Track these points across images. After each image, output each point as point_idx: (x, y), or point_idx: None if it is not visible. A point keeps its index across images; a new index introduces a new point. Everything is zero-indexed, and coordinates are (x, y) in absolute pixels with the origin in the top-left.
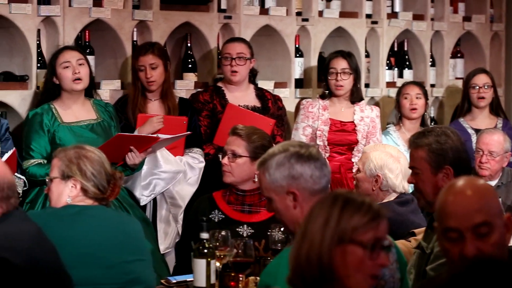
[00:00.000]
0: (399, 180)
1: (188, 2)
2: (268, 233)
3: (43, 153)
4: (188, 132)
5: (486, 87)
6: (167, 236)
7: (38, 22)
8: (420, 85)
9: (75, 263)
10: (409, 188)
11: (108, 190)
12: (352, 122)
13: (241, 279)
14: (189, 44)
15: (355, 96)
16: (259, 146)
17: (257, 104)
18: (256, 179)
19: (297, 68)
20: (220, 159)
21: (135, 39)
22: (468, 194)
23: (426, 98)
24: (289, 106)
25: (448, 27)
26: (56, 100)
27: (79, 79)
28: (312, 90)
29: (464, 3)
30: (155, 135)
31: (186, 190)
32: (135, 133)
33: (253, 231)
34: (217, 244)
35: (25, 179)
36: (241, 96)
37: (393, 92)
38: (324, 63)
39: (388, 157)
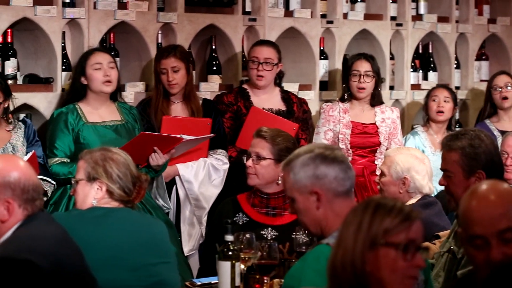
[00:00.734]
0: (425, 181)
1: (212, 5)
2: (293, 235)
3: (67, 151)
4: (212, 135)
5: (508, 87)
6: (191, 238)
7: (63, 24)
8: (450, 89)
9: (100, 265)
10: (434, 190)
11: (134, 193)
12: (374, 124)
13: (265, 281)
14: (213, 47)
15: (376, 100)
16: (283, 148)
17: (282, 107)
18: (280, 182)
19: (322, 70)
20: (244, 162)
21: (159, 41)
22: (491, 199)
23: (455, 103)
24: (314, 108)
25: (472, 29)
26: (81, 101)
27: (109, 81)
28: (336, 92)
29: (489, 5)
30: (178, 136)
31: (210, 191)
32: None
33: (277, 233)
34: (242, 246)
35: (55, 184)
36: (266, 98)
37: (418, 95)
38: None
39: (414, 159)
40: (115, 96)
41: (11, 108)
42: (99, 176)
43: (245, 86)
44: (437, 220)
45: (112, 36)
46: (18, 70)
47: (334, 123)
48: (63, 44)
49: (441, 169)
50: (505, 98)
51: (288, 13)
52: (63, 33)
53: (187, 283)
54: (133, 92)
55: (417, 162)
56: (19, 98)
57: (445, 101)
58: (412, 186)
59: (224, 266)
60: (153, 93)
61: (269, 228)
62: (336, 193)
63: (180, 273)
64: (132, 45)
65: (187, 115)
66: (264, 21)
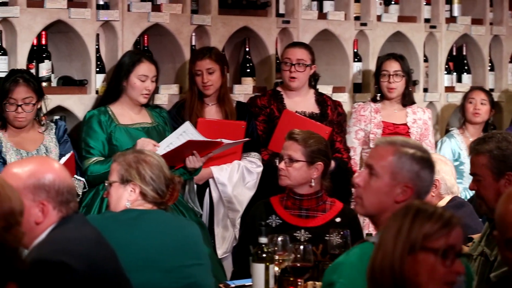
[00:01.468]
0: (454, 181)
1: (246, 7)
2: (326, 237)
3: (102, 151)
4: (248, 139)
5: None
6: (224, 241)
7: (97, 27)
8: (487, 91)
9: (134, 267)
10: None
11: (167, 195)
12: (405, 124)
13: (299, 283)
14: (247, 49)
15: (407, 100)
16: (315, 150)
17: (316, 110)
18: (313, 184)
19: (355, 72)
20: (277, 164)
21: (193, 43)
22: None
23: (492, 105)
24: (347, 110)
25: (507, 31)
26: (113, 103)
27: (148, 94)
28: (370, 94)
29: None
30: (218, 140)
31: (244, 194)
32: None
33: (310, 235)
34: (276, 248)
35: (85, 181)
36: (300, 101)
37: (452, 97)
38: None
39: (439, 161)
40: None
41: (44, 110)
42: (132, 178)
43: (279, 88)
44: (470, 222)
45: (146, 38)
46: (53, 72)
47: (365, 123)
48: (97, 47)
49: (471, 173)
50: None
51: (322, 16)
52: (97, 35)
53: (221, 285)
54: (167, 95)
55: (443, 164)
56: (53, 100)
57: (481, 103)
58: (444, 187)
59: (258, 268)
60: (188, 95)
61: (302, 230)
62: (418, 195)
63: (214, 274)
64: (166, 48)
65: (221, 117)
66: (297, 23)
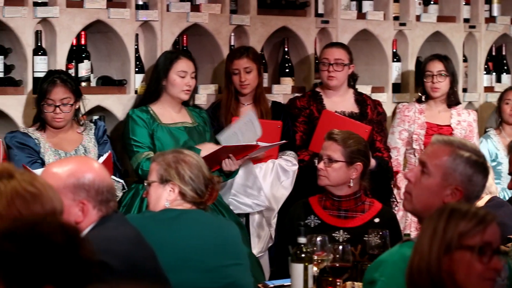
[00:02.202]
0: (492, 181)
1: (285, 7)
2: (365, 238)
3: (150, 145)
4: (285, 141)
5: None
6: (260, 240)
7: (136, 27)
8: None
9: (173, 266)
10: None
11: (206, 194)
12: (449, 126)
13: (338, 284)
14: (286, 49)
15: (452, 100)
16: (355, 150)
17: (355, 110)
18: (351, 184)
19: (395, 72)
20: (316, 164)
21: (232, 43)
22: None
23: None
24: (386, 110)
25: None
26: (154, 103)
27: (189, 90)
28: (409, 94)
29: None
30: (254, 143)
31: (280, 193)
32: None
33: (349, 236)
34: (315, 248)
35: (123, 183)
36: (339, 101)
37: (491, 97)
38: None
39: None
40: (187, 100)
41: (82, 110)
42: (171, 178)
43: (318, 89)
44: (509, 222)
45: (185, 38)
46: (92, 72)
47: (409, 123)
48: (136, 47)
49: (509, 173)
50: None
51: (361, 16)
52: (136, 35)
53: (260, 285)
54: (205, 94)
55: None
56: (93, 100)
57: None
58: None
59: (297, 269)
60: (224, 94)
61: (341, 230)
62: (468, 199)
63: (252, 274)
64: (205, 48)
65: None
66: (336, 23)
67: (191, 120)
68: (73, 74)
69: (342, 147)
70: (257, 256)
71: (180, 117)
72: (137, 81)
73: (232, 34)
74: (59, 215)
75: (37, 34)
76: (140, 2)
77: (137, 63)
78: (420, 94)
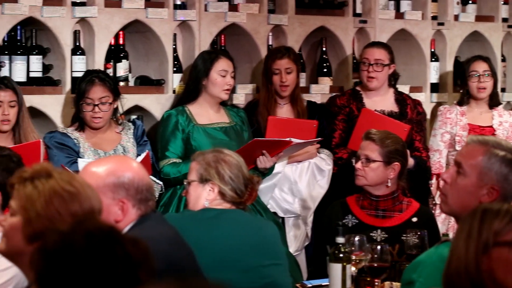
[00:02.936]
0: None
1: (323, 7)
2: (403, 238)
3: (178, 153)
4: (320, 138)
5: None
6: (296, 239)
7: (174, 26)
8: None
9: (211, 266)
10: None
11: (246, 194)
12: (491, 127)
13: (376, 284)
14: (324, 49)
15: (494, 101)
16: (392, 150)
17: (395, 109)
18: (389, 184)
19: (433, 72)
20: (354, 164)
21: (270, 43)
22: None
23: None
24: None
25: None
26: (191, 103)
27: (229, 90)
28: (447, 94)
29: None
30: (287, 139)
31: (316, 192)
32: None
33: (386, 235)
34: (353, 248)
35: (162, 184)
36: (379, 100)
37: None
38: (459, 67)
39: None
40: (225, 100)
41: (120, 109)
42: (211, 177)
43: (358, 88)
44: None
45: (222, 38)
46: (130, 72)
47: (451, 126)
48: (174, 46)
49: None
50: None
51: (399, 15)
52: (174, 35)
53: (298, 285)
54: (243, 94)
55: None
56: (131, 100)
57: None
58: None
59: (335, 268)
60: (262, 93)
61: (379, 230)
62: (505, 199)
63: (291, 274)
64: (243, 47)
65: (293, 117)
66: (374, 23)
67: (228, 120)
68: (111, 74)
69: (379, 147)
70: (293, 254)
71: (218, 117)
72: (175, 81)
73: (270, 34)
74: (98, 214)
75: (76, 34)
76: (178, 2)
77: (175, 62)
78: (462, 95)
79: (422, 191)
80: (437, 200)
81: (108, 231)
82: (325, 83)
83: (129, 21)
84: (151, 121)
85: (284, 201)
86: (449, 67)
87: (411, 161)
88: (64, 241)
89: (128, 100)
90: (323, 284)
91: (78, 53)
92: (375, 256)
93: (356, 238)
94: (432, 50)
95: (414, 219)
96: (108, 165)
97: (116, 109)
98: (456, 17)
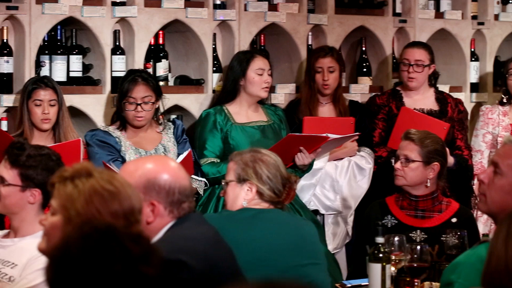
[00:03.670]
0: None
1: (363, 6)
2: (442, 238)
3: (217, 152)
4: (357, 133)
5: None
6: (335, 237)
7: (214, 26)
8: None
9: (250, 266)
10: None
11: (284, 194)
12: None
13: (416, 284)
14: (363, 48)
15: None
16: (432, 150)
17: (435, 107)
18: (428, 184)
19: (473, 72)
20: (393, 164)
21: (309, 43)
22: None
23: None
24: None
25: None
26: (229, 103)
27: (267, 88)
28: (487, 94)
29: None
30: (324, 135)
31: (356, 191)
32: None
33: (426, 236)
34: (392, 248)
35: (205, 181)
36: (419, 99)
37: None
38: (500, 67)
39: None
40: (264, 99)
41: (161, 109)
42: (249, 177)
43: (398, 88)
44: None
45: (262, 37)
46: (170, 71)
47: (493, 126)
48: (213, 46)
49: None
50: None
51: (439, 15)
52: (214, 34)
53: (337, 285)
54: (283, 94)
55: None
56: (170, 99)
57: None
58: None
59: (375, 268)
60: (304, 92)
61: (418, 230)
62: None
63: (330, 273)
64: (282, 47)
65: (334, 116)
66: (414, 22)
67: (266, 118)
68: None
69: (419, 147)
70: (332, 252)
71: (256, 116)
72: (214, 80)
73: (310, 33)
74: (138, 214)
75: (115, 34)
76: (218, 2)
77: (215, 62)
78: (502, 95)
79: (463, 190)
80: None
81: (104, 230)
82: (365, 83)
83: (168, 21)
84: (191, 120)
85: (325, 198)
86: (489, 67)
87: (451, 160)
88: (62, 247)
89: (167, 100)
90: (362, 284)
91: (118, 52)
92: (415, 256)
93: (396, 238)
94: (472, 49)
95: (454, 220)
96: (142, 166)
97: (157, 109)
98: (496, 17)
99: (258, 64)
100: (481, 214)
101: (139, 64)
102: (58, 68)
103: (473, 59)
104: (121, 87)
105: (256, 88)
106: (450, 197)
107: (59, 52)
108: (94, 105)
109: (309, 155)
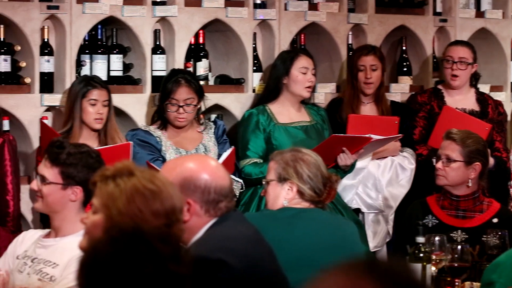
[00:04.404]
0: None
1: (403, 6)
2: (483, 238)
3: (260, 152)
4: (400, 135)
5: None
6: (376, 235)
7: (254, 25)
8: None
9: (291, 265)
10: None
11: (324, 193)
12: None
13: (457, 284)
14: (404, 47)
15: None
16: (473, 150)
17: (476, 108)
18: (470, 184)
19: None
20: (434, 163)
21: (350, 42)
22: None
23: None
24: (505, 109)
25: None
26: (271, 102)
27: (310, 87)
28: None
29: None
30: (367, 135)
31: (398, 191)
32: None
33: (467, 236)
34: (433, 248)
35: (242, 182)
36: (460, 99)
37: None
38: None
39: None
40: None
41: (203, 109)
42: (290, 176)
43: (439, 86)
44: None
45: (302, 37)
46: (210, 71)
47: None
48: (254, 45)
49: None
50: None
51: (479, 14)
52: (254, 34)
53: None
54: (323, 93)
55: None
56: (211, 99)
57: None
58: None
59: (415, 268)
60: (346, 91)
61: (459, 230)
62: None
63: None
64: (323, 46)
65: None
66: (455, 22)
67: (309, 119)
68: None
69: (460, 147)
70: (372, 251)
71: (299, 116)
72: (255, 80)
73: (350, 32)
74: (179, 213)
75: (156, 33)
76: (258, 1)
77: (255, 62)
78: None
79: (501, 192)
80: None
81: (132, 232)
82: (405, 82)
83: (209, 20)
84: (231, 120)
85: (367, 197)
86: None
87: (491, 161)
88: (90, 252)
89: (209, 100)
90: None
91: (158, 52)
92: (456, 256)
93: (436, 238)
94: None
95: (495, 220)
96: (181, 164)
97: (199, 109)
98: None
99: (302, 63)
100: None
101: (179, 63)
102: (98, 68)
103: None
104: (164, 87)
105: (299, 87)
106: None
107: (99, 51)
108: (134, 105)
109: (351, 156)
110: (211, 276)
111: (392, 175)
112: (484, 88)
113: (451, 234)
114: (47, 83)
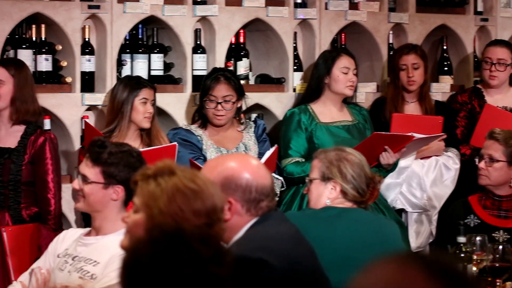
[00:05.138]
0: None
1: (444, 5)
2: None
3: (301, 151)
4: (443, 134)
5: None
6: (419, 236)
7: (294, 25)
8: None
9: (332, 265)
10: None
11: (367, 193)
12: None
13: (498, 284)
14: (445, 47)
15: None
16: None
17: None
18: None
19: None
20: (477, 163)
21: (390, 42)
22: None
23: None
24: None
25: None
26: (314, 102)
27: (352, 86)
28: None
29: None
30: (409, 134)
31: (442, 191)
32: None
33: (509, 236)
34: (474, 248)
35: (283, 180)
36: (500, 98)
37: None
38: None
39: None
40: (349, 97)
41: (243, 108)
42: (333, 176)
43: (479, 85)
44: None
45: (343, 36)
46: (250, 70)
47: None
48: (294, 45)
49: None
50: None
51: None
52: (295, 33)
53: None
54: (364, 93)
55: None
56: (251, 98)
57: None
58: None
59: None
60: (390, 90)
61: (501, 230)
62: None
63: None
64: (363, 46)
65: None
66: (496, 21)
67: (351, 118)
68: None
69: (503, 147)
70: (416, 250)
71: (341, 115)
72: (295, 79)
73: (391, 32)
74: (220, 212)
75: (196, 32)
76: (299, 0)
77: (295, 61)
78: None
79: None
80: None
81: (172, 234)
82: (446, 81)
83: (249, 20)
84: (272, 119)
85: (412, 196)
86: None
87: None
88: (132, 253)
89: (249, 99)
90: None
91: (199, 51)
92: (497, 256)
93: (478, 238)
94: None
95: None
96: (222, 163)
97: (239, 108)
98: None
99: (344, 62)
100: None
101: (220, 63)
102: (139, 67)
103: None
104: (204, 84)
105: (341, 86)
106: None
107: (140, 51)
108: (175, 104)
109: (394, 155)
110: (252, 275)
111: (437, 175)
112: None
113: (493, 234)
114: (88, 82)
